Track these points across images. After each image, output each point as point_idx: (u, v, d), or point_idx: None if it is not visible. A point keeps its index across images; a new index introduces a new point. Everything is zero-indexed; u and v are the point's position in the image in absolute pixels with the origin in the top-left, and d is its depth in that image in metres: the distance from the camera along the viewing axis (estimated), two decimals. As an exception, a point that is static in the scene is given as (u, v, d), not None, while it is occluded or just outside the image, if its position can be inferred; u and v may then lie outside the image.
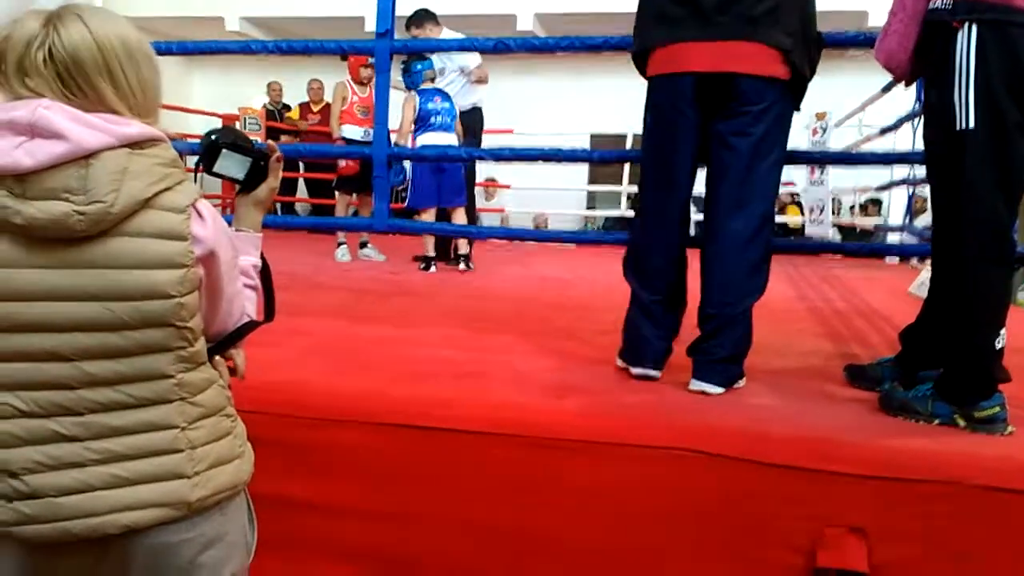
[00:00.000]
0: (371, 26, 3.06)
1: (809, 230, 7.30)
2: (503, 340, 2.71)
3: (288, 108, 8.62)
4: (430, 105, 4.85)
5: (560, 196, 9.03)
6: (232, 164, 1.30)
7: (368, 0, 3.13)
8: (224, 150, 1.29)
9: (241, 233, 1.34)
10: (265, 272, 1.37)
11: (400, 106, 4.74)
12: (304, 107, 8.35)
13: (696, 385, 2.10)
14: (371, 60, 5.57)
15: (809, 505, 1.69)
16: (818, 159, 3.36)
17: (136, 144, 1.06)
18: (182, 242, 1.08)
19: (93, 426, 1.09)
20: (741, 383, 2.17)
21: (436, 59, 5.01)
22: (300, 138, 7.99)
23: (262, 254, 1.37)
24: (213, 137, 1.30)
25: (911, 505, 1.64)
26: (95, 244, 1.05)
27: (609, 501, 1.79)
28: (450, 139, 4.85)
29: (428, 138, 4.79)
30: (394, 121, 8.83)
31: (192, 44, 3.20)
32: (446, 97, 4.94)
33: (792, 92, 2.11)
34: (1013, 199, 1.82)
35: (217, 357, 1.23)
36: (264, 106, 8.58)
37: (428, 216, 4.93)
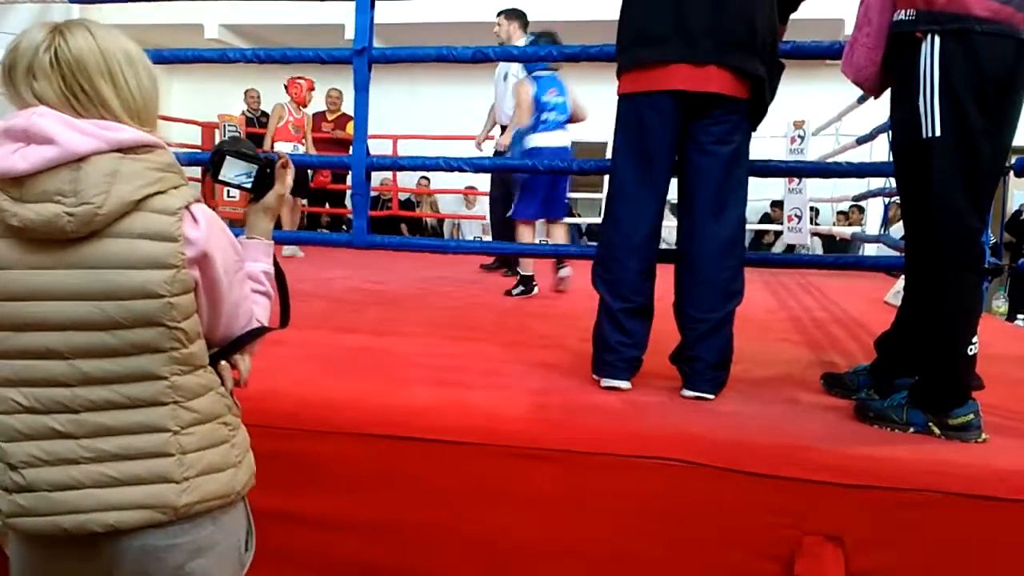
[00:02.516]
0: (350, 33, 3.05)
1: (788, 238, 7.37)
2: (484, 349, 2.71)
3: (266, 115, 8.57)
4: (544, 97, 4.20)
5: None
6: (238, 171, 1.33)
7: (347, 7, 3.12)
8: (228, 157, 1.32)
9: (251, 240, 1.36)
10: (280, 278, 1.39)
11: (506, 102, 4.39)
12: (318, 116, 8.29)
13: (689, 393, 2.14)
14: (299, 81, 6.49)
15: (787, 514, 1.69)
16: (788, 171, 3.37)
17: (129, 149, 1.10)
18: (172, 243, 1.10)
19: (87, 424, 1.12)
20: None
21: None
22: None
23: (275, 260, 1.39)
24: (220, 145, 1.34)
25: (888, 513, 1.65)
26: (87, 245, 1.08)
27: (588, 510, 1.79)
28: (564, 140, 4.24)
29: (541, 139, 4.18)
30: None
31: (169, 52, 3.18)
32: (562, 89, 4.27)
33: (753, 111, 2.20)
34: (981, 205, 1.84)
35: (222, 363, 1.25)
36: (243, 113, 8.53)
37: (528, 230, 4.35)
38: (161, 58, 3.21)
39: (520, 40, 4.87)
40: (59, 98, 1.08)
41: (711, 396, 2.13)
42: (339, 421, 1.89)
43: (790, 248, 7.54)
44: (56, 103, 1.08)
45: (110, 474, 1.12)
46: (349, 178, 6.56)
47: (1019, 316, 6.96)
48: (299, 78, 6.60)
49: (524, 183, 4.26)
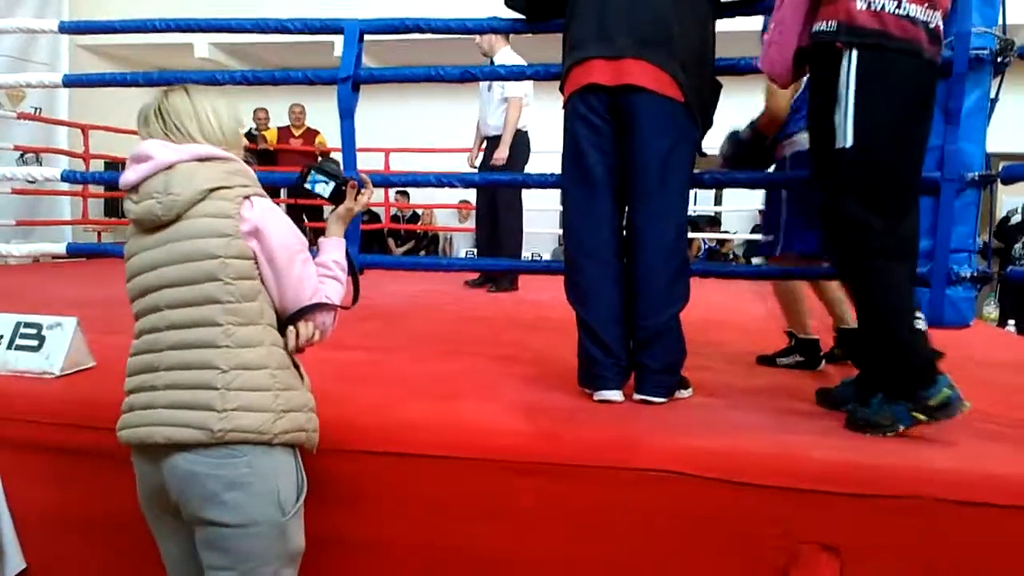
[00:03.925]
0: (339, 50, 3.06)
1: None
2: (477, 363, 2.71)
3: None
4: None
5: (536, 216, 9.03)
6: (319, 184, 1.72)
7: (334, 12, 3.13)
8: (312, 172, 1.72)
9: (326, 239, 1.72)
10: (350, 266, 1.70)
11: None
12: (284, 131, 8.35)
13: (638, 396, 2.18)
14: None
15: (781, 523, 1.69)
16: (714, 184, 3.32)
17: (205, 159, 1.54)
18: (230, 219, 1.49)
19: (165, 360, 1.50)
20: (686, 393, 2.25)
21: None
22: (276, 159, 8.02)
23: (347, 253, 1.71)
24: (310, 163, 1.75)
25: (884, 521, 1.66)
26: (176, 226, 1.50)
27: (581, 523, 1.79)
28: None
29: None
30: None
31: (158, 75, 3.19)
32: None
33: (694, 119, 2.22)
34: (890, 216, 1.92)
35: (289, 328, 1.57)
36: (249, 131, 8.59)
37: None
38: (151, 81, 3.22)
39: (502, 51, 4.89)
40: (163, 132, 1.55)
41: (660, 400, 2.17)
42: (331, 438, 1.88)
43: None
44: (161, 135, 1.55)
45: (174, 399, 1.47)
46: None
47: (1009, 322, 6.99)
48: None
49: (795, 198, 2.86)
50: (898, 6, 1.86)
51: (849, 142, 1.88)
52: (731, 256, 9.12)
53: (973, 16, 2.50)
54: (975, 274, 2.52)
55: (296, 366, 1.61)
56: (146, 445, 1.49)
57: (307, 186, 1.72)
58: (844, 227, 1.95)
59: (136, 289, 1.54)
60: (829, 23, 1.92)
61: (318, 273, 1.62)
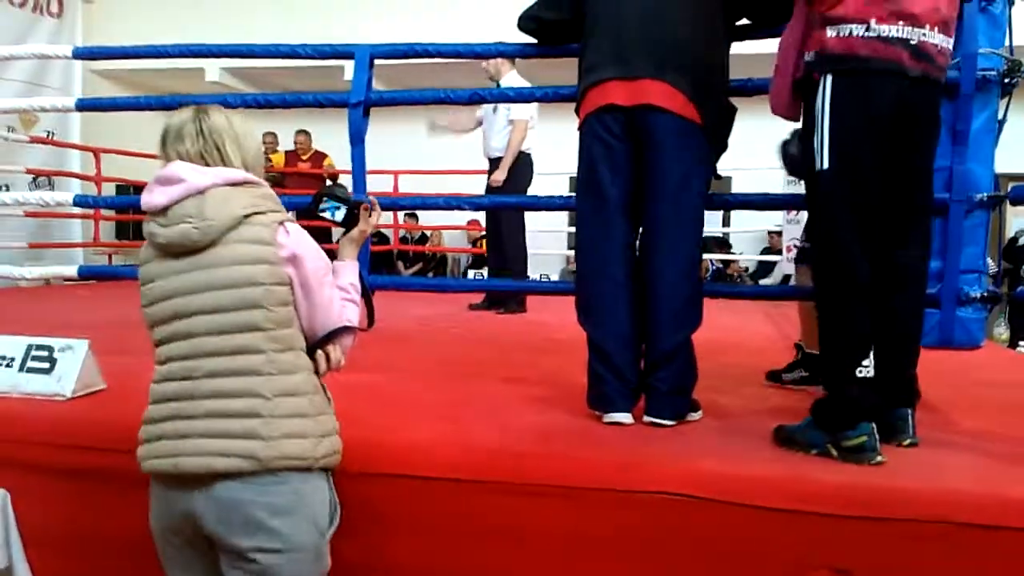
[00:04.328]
0: (349, 74, 3.10)
1: (785, 268, 7.39)
2: (486, 386, 2.70)
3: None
4: None
5: (544, 238, 9.07)
6: (332, 209, 1.73)
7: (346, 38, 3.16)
8: (325, 197, 1.74)
9: (341, 262, 1.71)
10: (363, 288, 1.71)
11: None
12: (291, 154, 8.43)
13: (648, 419, 2.16)
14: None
15: (793, 548, 1.68)
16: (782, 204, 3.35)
17: (237, 183, 1.52)
18: (269, 246, 1.50)
19: (203, 388, 1.47)
20: (695, 415, 2.23)
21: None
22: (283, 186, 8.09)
23: (360, 275, 1.72)
24: (321, 189, 1.77)
25: (897, 545, 1.64)
26: (210, 252, 1.49)
27: (590, 545, 1.78)
28: None
29: None
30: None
31: (170, 98, 3.23)
32: None
33: (710, 141, 2.24)
34: (869, 237, 1.92)
35: (318, 352, 1.57)
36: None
37: None
38: (163, 104, 3.26)
39: (509, 74, 4.93)
40: (196, 153, 1.52)
41: (669, 423, 2.15)
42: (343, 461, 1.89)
43: (787, 279, 7.56)
44: (194, 157, 1.52)
45: (216, 428, 1.45)
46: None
47: (1021, 343, 6.94)
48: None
49: None
50: (867, 29, 1.88)
51: (826, 164, 1.92)
52: (737, 277, 9.10)
53: (980, 38, 2.52)
54: (985, 295, 2.51)
55: (324, 389, 1.62)
56: (179, 474, 1.47)
57: (321, 213, 1.74)
58: (826, 250, 1.97)
59: (161, 315, 1.52)
60: (810, 54, 1.99)
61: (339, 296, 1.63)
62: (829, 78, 1.92)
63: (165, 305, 1.51)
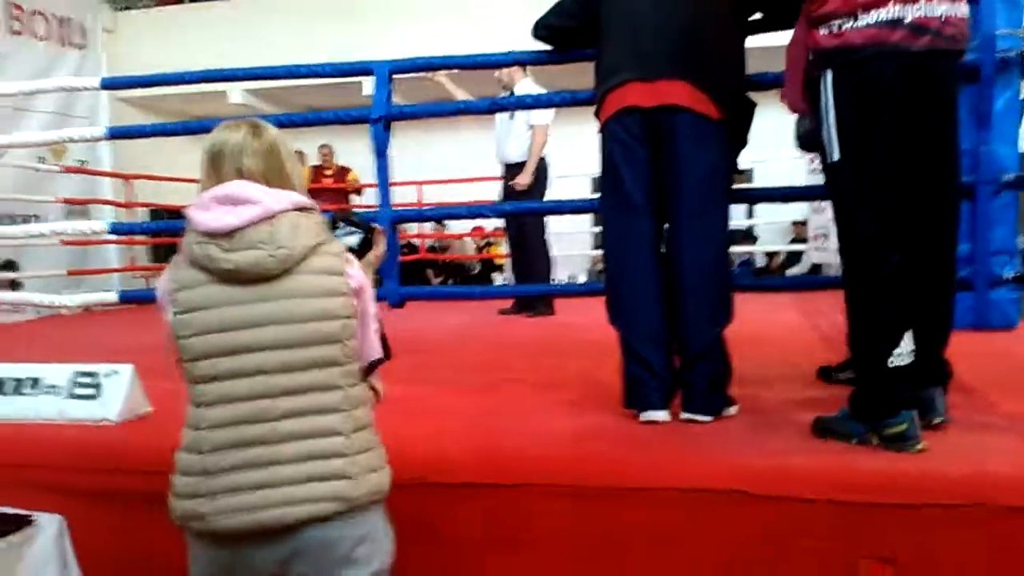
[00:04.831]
0: (368, 90, 3.14)
1: (814, 257, 7.33)
2: (519, 390, 2.73)
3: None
4: None
5: (569, 240, 9.09)
6: (346, 235, 1.66)
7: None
8: (339, 223, 1.68)
9: None
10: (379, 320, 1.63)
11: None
12: (316, 169, 8.54)
13: (685, 415, 2.18)
14: None
15: (839, 538, 1.69)
16: (754, 196, 3.33)
17: (303, 209, 1.43)
18: (341, 277, 1.42)
19: (281, 431, 1.37)
20: (732, 410, 2.25)
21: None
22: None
23: None
24: (336, 213, 1.73)
25: (939, 530, 1.64)
26: (281, 281, 1.38)
27: (636, 545, 1.79)
28: None
29: None
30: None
31: (195, 123, 3.30)
32: None
33: (731, 136, 2.27)
34: (882, 219, 1.92)
35: (373, 383, 1.53)
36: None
37: None
38: (189, 129, 3.34)
39: (522, 82, 4.96)
40: (260, 172, 1.41)
41: (707, 419, 2.16)
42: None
43: (816, 268, 7.50)
44: (257, 175, 1.41)
45: (301, 473, 1.36)
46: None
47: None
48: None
49: None
50: (855, 19, 1.88)
51: (836, 156, 1.93)
52: (774, 268, 8.98)
53: (999, 19, 2.50)
54: (1018, 275, 2.49)
55: None
56: (255, 530, 1.36)
57: (337, 237, 1.65)
58: (848, 242, 1.98)
59: (216, 348, 1.37)
60: (811, 54, 2.01)
61: None
62: (829, 73, 1.94)
63: (224, 338, 1.36)
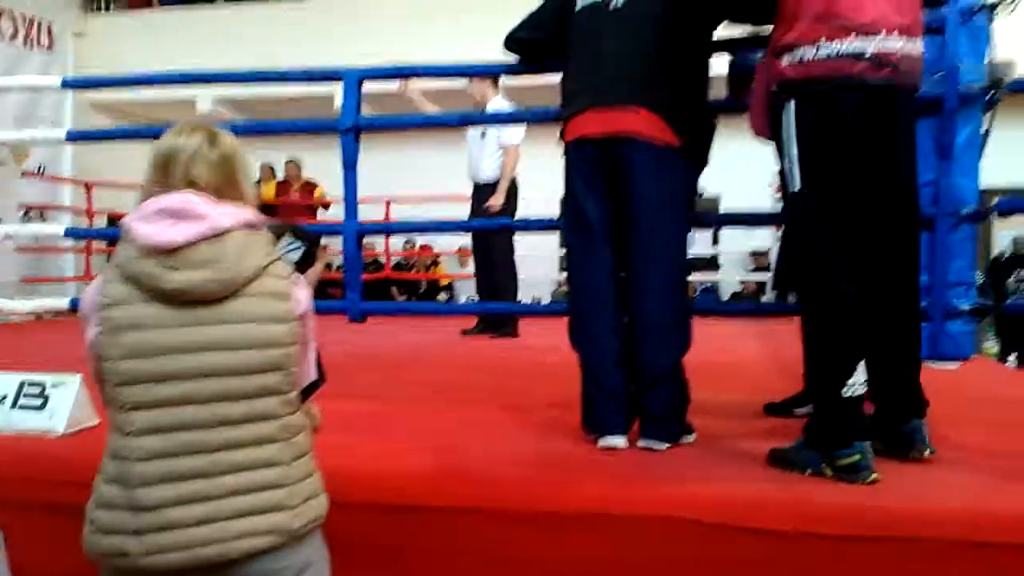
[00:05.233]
0: (340, 103, 3.10)
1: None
2: (479, 412, 2.70)
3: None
4: None
5: (535, 261, 9.09)
6: (290, 249, 1.61)
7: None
8: (286, 235, 1.61)
9: None
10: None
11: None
12: (282, 184, 8.46)
13: (643, 442, 2.17)
14: None
15: (791, 569, 1.67)
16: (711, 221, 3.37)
17: (252, 226, 1.33)
18: (288, 302, 1.34)
19: (220, 463, 1.27)
20: (690, 438, 2.24)
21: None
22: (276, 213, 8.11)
23: None
24: (281, 225, 1.65)
25: (892, 563, 1.63)
26: (225, 304, 1.28)
27: (588, 572, 1.77)
28: None
29: None
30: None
31: (157, 128, 3.23)
32: None
33: (689, 161, 2.27)
34: (841, 249, 1.93)
35: (309, 409, 1.45)
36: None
37: None
38: (153, 134, 3.27)
39: (495, 99, 4.97)
40: (212, 182, 1.32)
41: (663, 446, 2.15)
42: (332, 491, 1.87)
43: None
44: (208, 186, 1.31)
45: (242, 507, 1.28)
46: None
47: (1010, 356, 6.96)
48: None
49: None
50: (818, 50, 1.90)
51: (798, 186, 1.95)
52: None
53: (962, 52, 2.54)
54: (973, 308, 2.52)
55: None
56: (190, 567, 1.27)
57: (277, 252, 1.50)
58: (806, 271, 1.98)
59: (148, 373, 1.25)
60: (774, 85, 2.02)
61: None
62: (792, 103, 1.95)
63: (157, 362, 1.25)
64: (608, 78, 2.22)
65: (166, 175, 1.32)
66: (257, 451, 1.30)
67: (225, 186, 1.34)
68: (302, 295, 1.37)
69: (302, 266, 1.61)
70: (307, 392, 1.44)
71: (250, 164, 1.42)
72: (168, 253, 1.25)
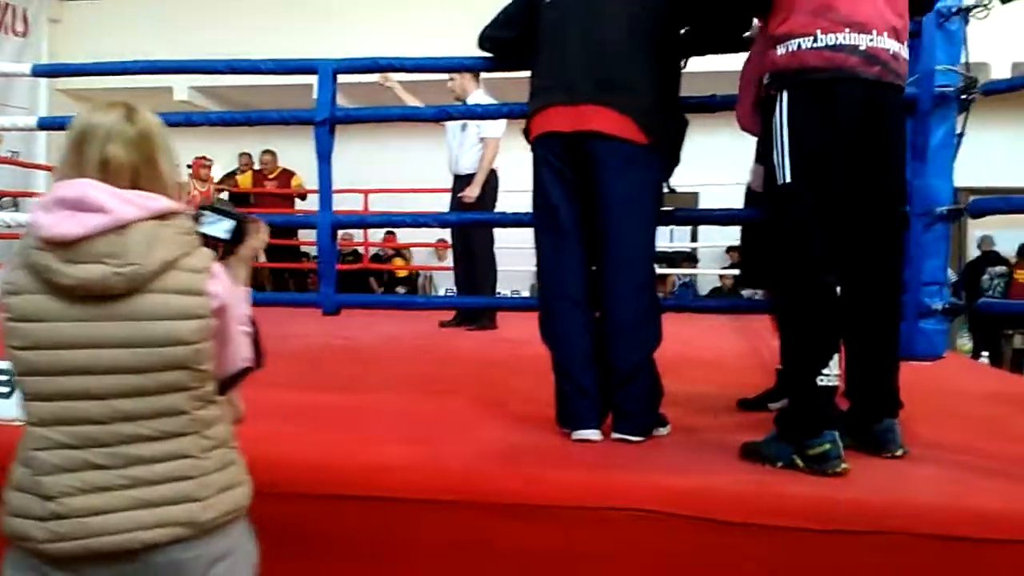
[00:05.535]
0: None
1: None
2: (455, 404, 2.69)
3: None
4: None
5: (514, 255, 9.07)
6: (216, 226, 1.48)
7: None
8: (208, 212, 1.49)
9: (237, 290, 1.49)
10: (252, 322, 1.48)
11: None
12: (258, 174, 8.38)
13: (616, 436, 2.18)
14: (206, 162, 7.65)
15: (759, 562, 1.68)
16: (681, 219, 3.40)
17: (162, 216, 1.26)
18: (200, 297, 1.27)
19: (120, 456, 1.25)
20: (663, 431, 2.25)
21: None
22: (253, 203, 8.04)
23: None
24: (202, 204, 1.51)
25: (866, 558, 1.64)
26: (128, 300, 1.23)
27: (560, 564, 1.77)
28: None
29: None
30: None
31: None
32: None
33: (659, 159, 2.26)
34: (826, 242, 1.94)
35: (232, 399, 1.41)
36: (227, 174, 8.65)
37: None
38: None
39: (475, 93, 4.94)
40: (128, 162, 1.25)
41: (637, 439, 2.16)
42: (305, 481, 1.86)
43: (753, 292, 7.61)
44: (124, 166, 1.25)
45: (143, 498, 1.25)
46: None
47: (983, 353, 7.06)
48: (202, 158, 7.63)
49: None
50: (814, 41, 1.90)
51: (788, 178, 1.94)
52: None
53: (937, 54, 2.57)
54: (946, 306, 2.55)
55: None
56: (97, 556, 1.25)
57: (203, 229, 1.44)
58: (788, 263, 1.99)
59: (51, 366, 1.23)
60: (766, 75, 2.02)
61: None
62: (785, 93, 1.95)
63: (61, 355, 1.23)
64: (577, 75, 2.20)
65: (80, 155, 1.26)
66: (162, 445, 1.27)
67: (143, 165, 1.27)
68: (219, 288, 1.30)
69: (232, 244, 1.51)
70: (235, 380, 1.40)
71: (173, 146, 1.34)
72: (66, 246, 1.20)
